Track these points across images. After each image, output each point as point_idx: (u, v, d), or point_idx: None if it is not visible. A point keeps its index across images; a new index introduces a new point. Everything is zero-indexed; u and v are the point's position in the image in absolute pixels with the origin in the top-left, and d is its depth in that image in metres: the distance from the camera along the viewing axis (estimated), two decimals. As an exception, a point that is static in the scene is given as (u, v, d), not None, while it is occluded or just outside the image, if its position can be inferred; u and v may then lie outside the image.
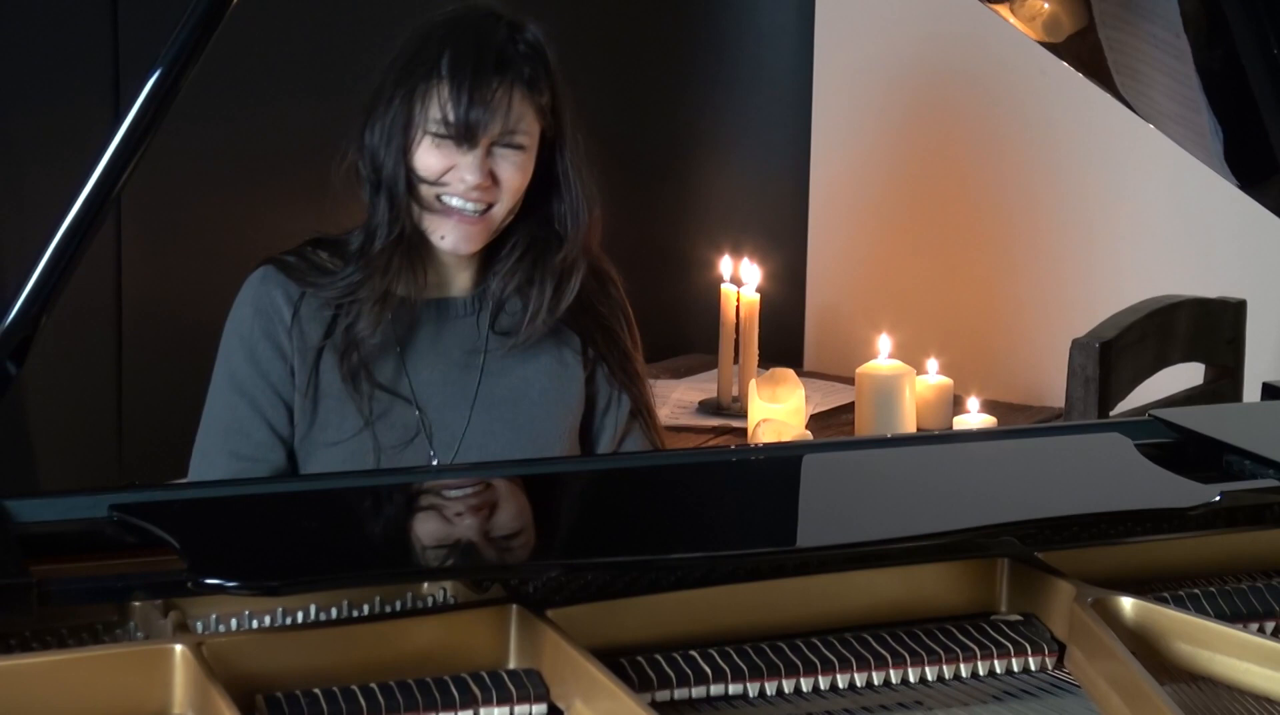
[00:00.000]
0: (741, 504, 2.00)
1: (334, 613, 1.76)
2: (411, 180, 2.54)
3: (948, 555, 1.87)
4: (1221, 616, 1.81)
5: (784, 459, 2.20)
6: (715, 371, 3.84)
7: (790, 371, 3.49)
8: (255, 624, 1.74)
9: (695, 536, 1.90)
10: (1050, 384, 3.98)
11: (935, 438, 2.61)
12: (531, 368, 2.63)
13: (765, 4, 4.34)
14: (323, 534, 1.84)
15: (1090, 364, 3.16)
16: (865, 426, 3.50)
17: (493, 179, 2.53)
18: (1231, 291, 3.63)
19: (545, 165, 2.58)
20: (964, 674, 1.77)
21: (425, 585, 1.80)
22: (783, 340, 4.25)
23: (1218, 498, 1.94)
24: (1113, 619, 1.76)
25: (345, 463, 2.51)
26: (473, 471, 2.14)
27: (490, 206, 2.54)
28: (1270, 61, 2.16)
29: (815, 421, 3.63)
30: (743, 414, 3.64)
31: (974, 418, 3.48)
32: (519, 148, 2.54)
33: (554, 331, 2.65)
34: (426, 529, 1.91)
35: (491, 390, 2.61)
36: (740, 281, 3.77)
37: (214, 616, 1.74)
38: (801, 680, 1.73)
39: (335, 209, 3.41)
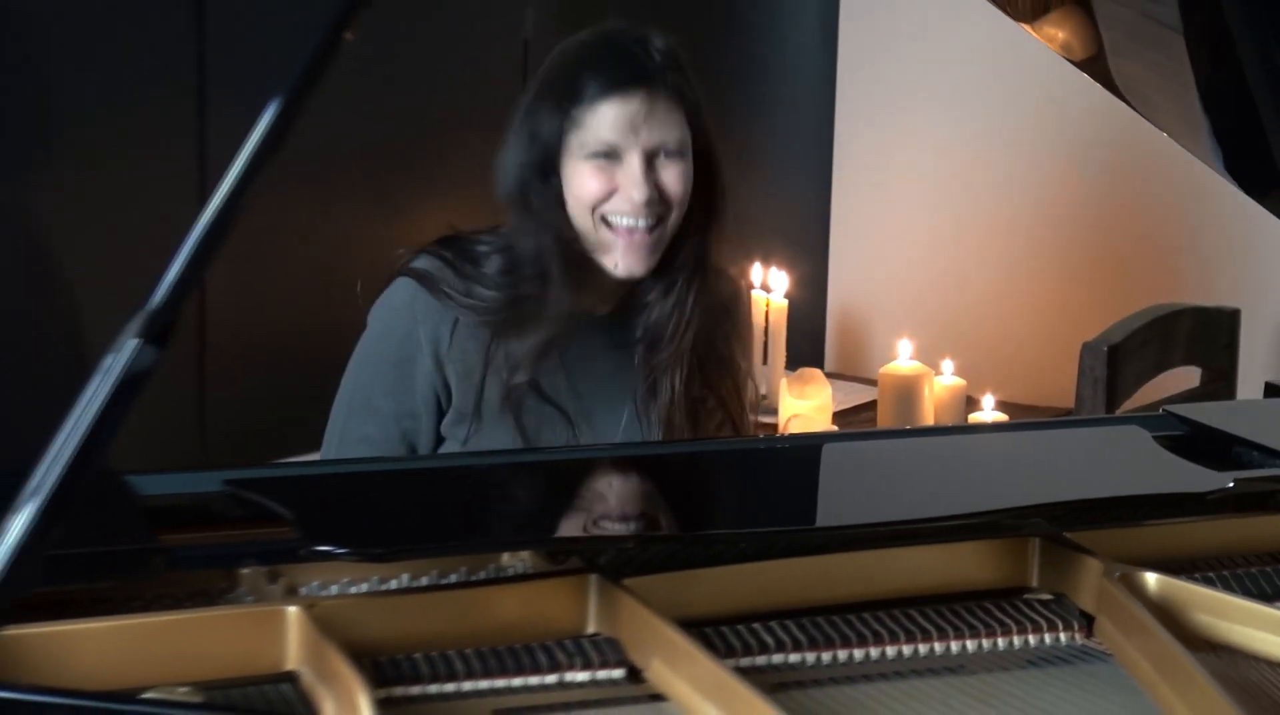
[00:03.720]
0: (796, 486, 2.05)
1: (424, 581, 1.81)
2: (570, 209, 2.41)
3: (983, 534, 1.90)
4: (1235, 596, 1.85)
5: (829, 447, 2.24)
6: (743, 371, 3.88)
7: (818, 371, 3.53)
8: (353, 590, 1.78)
9: (757, 514, 1.94)
10: (1058, 385, 4.00)
11: (966, 429, 2.65)
12: (675, 377, 2.48)
13: (791, 33, 4.36)
14: (421, 507, 1.88)
15: (1099, 366, 3.19)
16: (886, 422, 3.55)
17: (659, 191, 2.40)
18: (1227, 301, 3.66)
19: (701, 169, 2.44)
20: (1000, 646, 1.81)
21: (505, 557, 1.84)
22: (806, 343, 4.28)
23: (1231, 484, 1.99)
24: (1138, 592, 1.80)
25: None
26: (558, 454, 2.17)
27: (660, 220, 2.41)
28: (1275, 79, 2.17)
29: (839, 418, 3.67)
30: (771, 410, 3.68)
31: (988, 415, 3.52)
32: (678, 155, 2.42)
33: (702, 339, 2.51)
34: (514, 504, 1.96)
35: (641, 403, 2.48)
36: (769, 288, 3.82)
37: (315, 583, 1.78)
38: (855, 651, 1.76)
39: (403, 212, 3.47)
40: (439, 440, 2.46)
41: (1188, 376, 3.61)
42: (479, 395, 2.40)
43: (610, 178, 2.38)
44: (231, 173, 1.45)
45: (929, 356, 3.66)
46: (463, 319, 2.41)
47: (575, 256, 2.41)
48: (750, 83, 4.31)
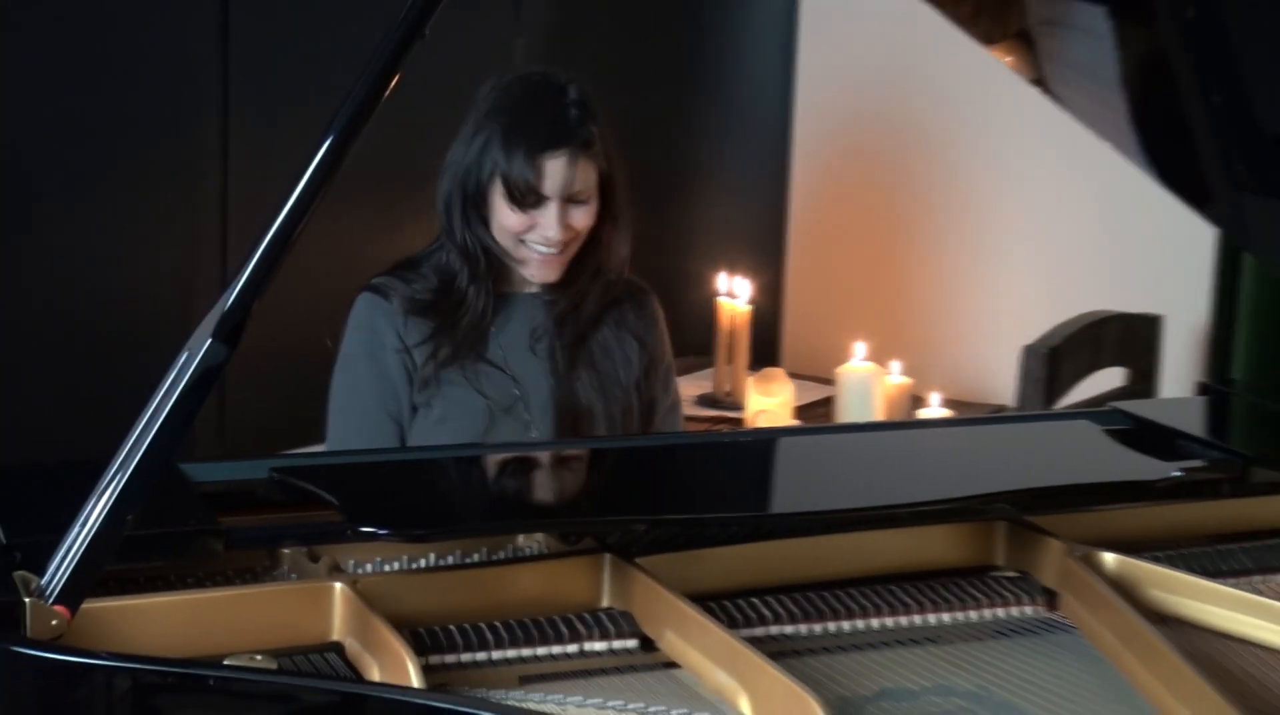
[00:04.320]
0: (780, 474, 2.07)
1: (449, 560, 1.83)
2: (492, 236, 2.64)
3: (954, 518, 1.94)
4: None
5: (806, 440, 2.28)
6: (709, 371, 3.91)
7: (780, 370, 3.56)
8: (386, 568, 1.80)
9: (750, 499, 1.97)
10: (997, 384, 4.04)
11: (933, 423, 2.68)
12: (594, 346, 2.71)
13: (752, 59, 4.39)
14: (449, 493, 1.90)
15: (1039, 367, 3.23)
16: (843, 417, 3.57)
17: (569, 228, 2.61)
18: (1150, 308, 3.70)
19: (602, 197, 2.66)
20: (973, 618, 1.84)
21: (521, 538, 1.87)
22: (764, 345, 4.31)
23: (1178, 473, 2.03)
24: (1099, 570, 1.83)
25: (457, 431, 2.59)
26: (560, 445, 2.20)
27: (568, 245, 2.63)
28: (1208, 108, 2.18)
29: (799, 413, 3.70)
30: (735, 406, 3.71)
31: (935, 411, 3.55)
32: (586, 201, 2.62)
33: (613, 338, 2.74)
34: (532, 490, 1.98)
35: (565, 364, 2.68)
36: (734, 295, 3.85)
37: (351, 562, 1.81)
38: (844, 623, 1.80)
39: (402, 225, 3.49)
40: (414, 409, 2.64)
41: (1115, 377, 3.64)
42: (435, 365, 2.62)
43: (531, 216, 2.61)
44: (298, 187, 1.47)
45: (878, 357, 3.69)
46: (410, 312, 2.64)
47: (491, 261, 2.66)
48: (714, 111, 4.34)
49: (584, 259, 2.68)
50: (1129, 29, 2.15)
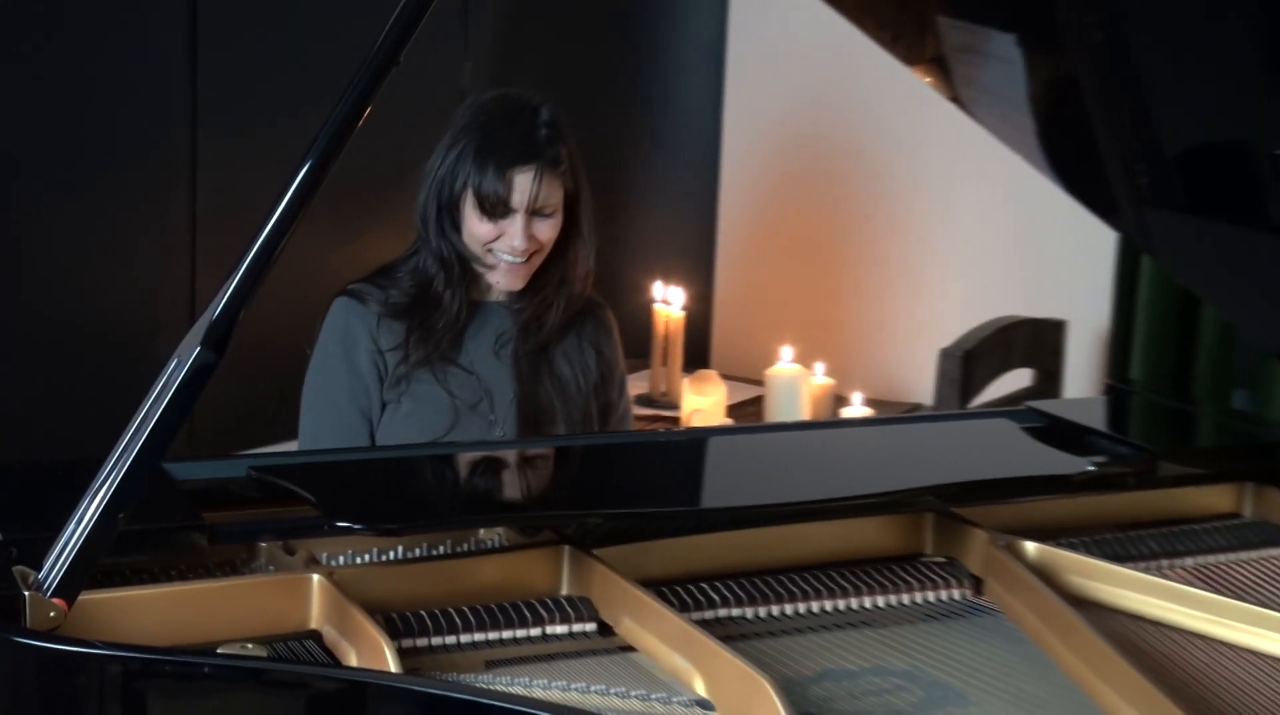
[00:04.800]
0: (724, 471, 2.08)
1: (417, 552, 1.83)
2: (464, 243, 2.65)
3: (885, 510, 1.96)
4: (1097, 559, 1.92)
5: (745, 438, 2.29)
6: (646, 372, 3.92)
7: (713, 372, 3.58)
8: (359, 560, 1.80)
9: (699, 494, 1.98)
10: (913, 384, 4.07)
11: (861, 422, 2.70)
12: (556, 354, 2.73)
13: (684, 80, 4.41)
14: (418, 490, 1.90)
15: (955, 368, 3.25)
16: (771, 416, 3.59)
17: (534, 239, 2.63)
18: (1055, 313, 3.74)
19: (567, 213, 2.68)
20: (905, 602, 1.86)
21: (482, 531, 1.87)
22: (697, 348, 4.32)
23: (1092, 467, 2.05)
24: (1021, 558, 1.86)
25: (423, 427, 2.60)
26: (519, 445, 2.20)
27: (533, 255, 2.65)
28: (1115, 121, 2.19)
29: (730, 412, 3.72)
30: (672, 405, 3.72)
31: (857, 410, 3.57)
32: (550, 214, 2.64)
33: (573, 345, 2.75)
34: (495, 486, 1.98)
35: (529, 369, 2.70)
36: (668, 302, 3.86)
37: (325, 554, 1.80)
38: (785, 606, 1.82)
39: (356, 238, 3.48)
40: (383, 406, 2.65)
41: (1023, 378, 3.68)
42: (408, 367, 2.63)
43: (498, 226, 2.64)
44: (283, 201, 1.47)
45: (803, 360, 3.71)
46: (385, 316, 2.66)
47: (465, 268, 2.68)
48: (649, 130, 4.35)
49: (550, 271, 2.70)
50: (1039, 54, 2.17)
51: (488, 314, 2.71)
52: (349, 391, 2.63)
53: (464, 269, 2.67)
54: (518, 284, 2.67)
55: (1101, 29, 2.02)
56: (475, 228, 2.63)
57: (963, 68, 2.33)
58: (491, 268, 2.65)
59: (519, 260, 2.63)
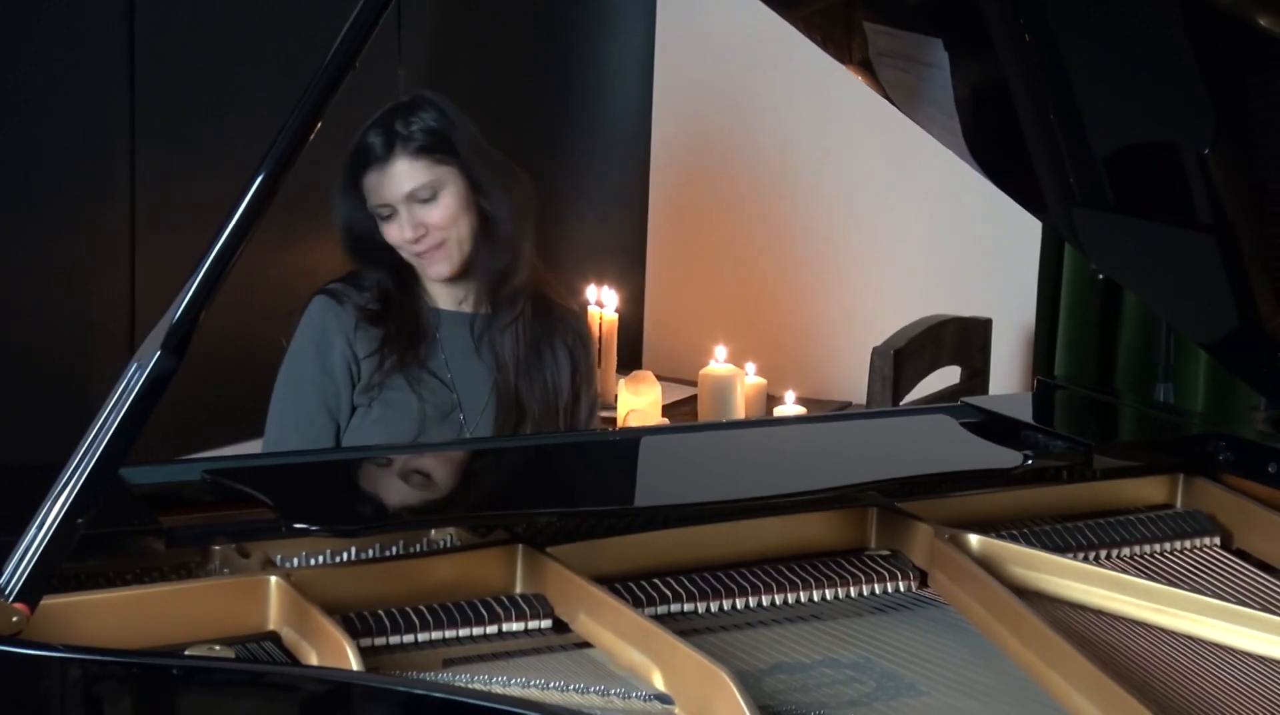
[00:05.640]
0: (672, 469, 2.08)
1: (370, 553, 1.82)
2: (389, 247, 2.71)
3: (830, 505, 1.96)
4: (1036, 550, 1.93)
5: (689, 437, 2.29)
6: (581, 374, 3.91)
7: (649, 373, 3.58)
8: (312, 562, 1.79)
9: (648, 491, 1.98)
10: (844, 382, 4.08)
11: (804, 420, 2.71)
12: (531, 356, 2.75)
13: (613, 90, 4.40)
14: (374, 491, 1.89)
15: (887, 366, 3.27)
16: (706, 415, 3.60)
17: (424, 227, 2.67)
18: (981, 312, 3.76)
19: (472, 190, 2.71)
20: (852, 595, 1.87)
21: (433, 532, 1.86)
22: (630, 349, 4.33)
23: (1030, 461, 2.07)
24: (965, 550, 1.86)
25: (391, 432, 2.62)
26: (480, 444, 2.19)
27: (440, 242, 2.68)
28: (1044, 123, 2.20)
29: (664, 412, 3.72)
30: (608, 406, 3.71)
31: (790, 409, 3.58)
32: (430, 197, 2.67)
33: (541, 339, 2.77)
34: (446, 487, 1.98)
35: (504, 377, 2.72)
36: (602, 304, 3.86)
37: (279, 556, 1.79)
38: (736, 600, 1.82)
39: (296, 245, 3.46)
40: (353, 409, 2.67)
41: (951, 375, 3.70)
42: (381, 369, 2.65)
43: (398, 228, 2.68)
44: (241, 204, 1.46)
45: (734, 359, 3.72)
46: (363, 320, 2.69)
47: (411, 275, 2.74)
48: (580, 137, 4.35)
49: (481, 252, 2.71)
50: (968, 57, 2.18)
51: (453, 322, 2.73)
52: (319, 391, 2.65)
53: (416, 277, 2.72)
54: (443, 271, 2.70)
55: (1031, 32, 2.04)
56: (386, 235, 2.69)
57: (890, 71, 2.34)
58: (420, 264, 2.70)
59: (421, 248, 2.66)
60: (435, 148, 2.68)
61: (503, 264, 2.72)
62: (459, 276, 2.73)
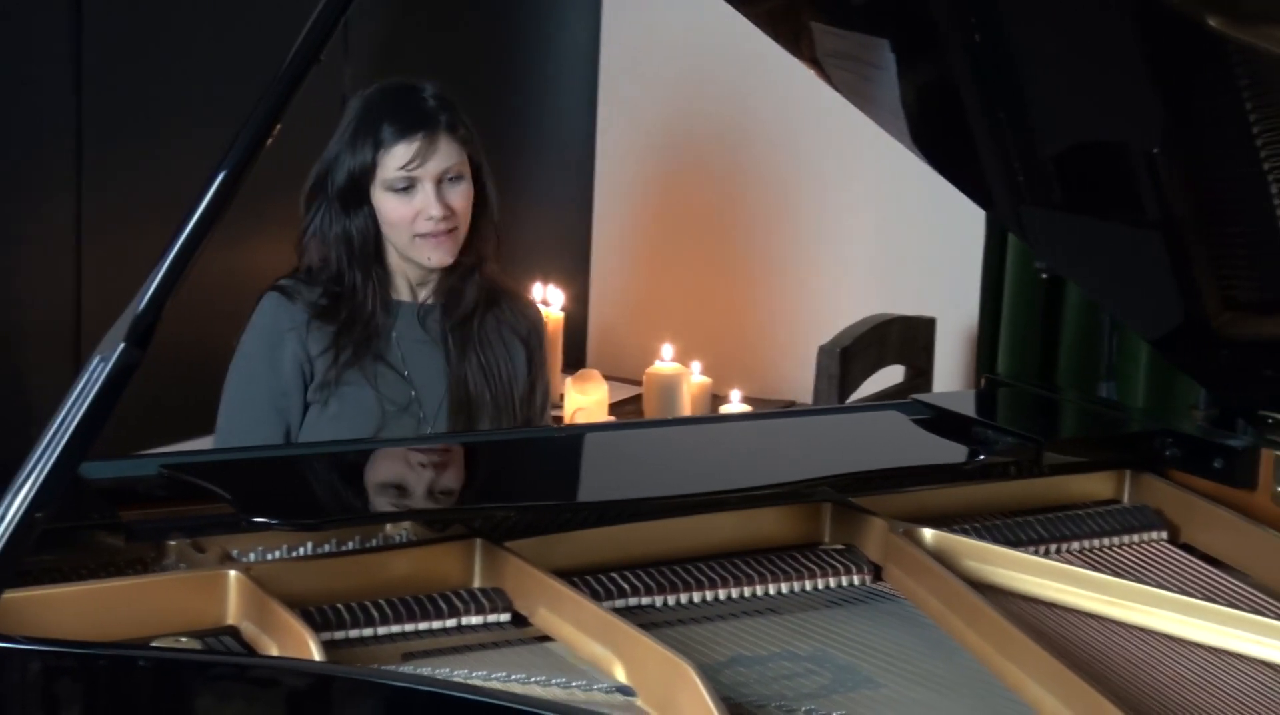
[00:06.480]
0: (626, 464, 2.09)
1: (326, 547, 1.81)
2: (384, 229, 2.62)
3: (785, 500, 1.97)
4: (988, 544, 1.94)
5: (641, 433, 2.29)
6: (526, 372, 3.91)
7: (596, 371, 3.57)
8: (269, 556, 1.78)
9: (604, 486, 1.99)
10: (788, 381, 4.09)
11: (753, 416, 2.72)
12: (483, 346, 2.70)
13: (558, 88, 4.40)
14: (332, 485, 1.89)
15: (833, 365, 3.28)
16: (651, 414, 3.60)
17: (449, 208, 2.60)
18: (925, 311, 3.79)
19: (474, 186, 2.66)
20: (808, 588, 1.88)
21: (389, 526, 1.86)
22: (575, 348, 4.32)
23: (981, 457, 2.08)
24: (920, 544, 1.88)
25: (350, 428, 2.57)
26: (438, 439, 2.19)
27: (454, 227, 2.62)
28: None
29: (611, 410, 3.72)
30: (555, 404, 3.71)
31: (735, 408, 3.59)
32: (459, 178, 2.63)
33: (496, 329, 2.73)
34: (407, 481, 1.97)
35: (458, 366, 2.67)
36: (548, 303, 3.86)
37: (235, 551, 1.78)
38: (694, 594, 1.82)
39: (244, 240, 3.44)
40: (305, 407, 2.61)
41: (896, 374, 3.72)
42: (336, 365, 2.59)
43: (412, 203, 2.59)
44: (206, 196, 1.46)
45: (680, 358, 3.73)
46: (315, 316, 2.62)
47: (381, 263, 2.65)
48: (526, 136, 4.34)
49: (468, 248, 2.66)
50: (918, 57, 2.19)
51: (409, 313, 2.69)
52: (268, 391, 2.59)
53: (380, 264, 2.64)
54: (448, 257, 2.63)
55: (981, 30, 2.05)
56: (391, 212, 2.60)
57: (840, 72, 2.35)
58: (419, 249, 2.62)
59: (441, 229, 2.60)
60: (467, 130, 2.64)
61: (483, 254, 2.70)
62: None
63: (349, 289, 2.62)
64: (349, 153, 2.61)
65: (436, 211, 2.58)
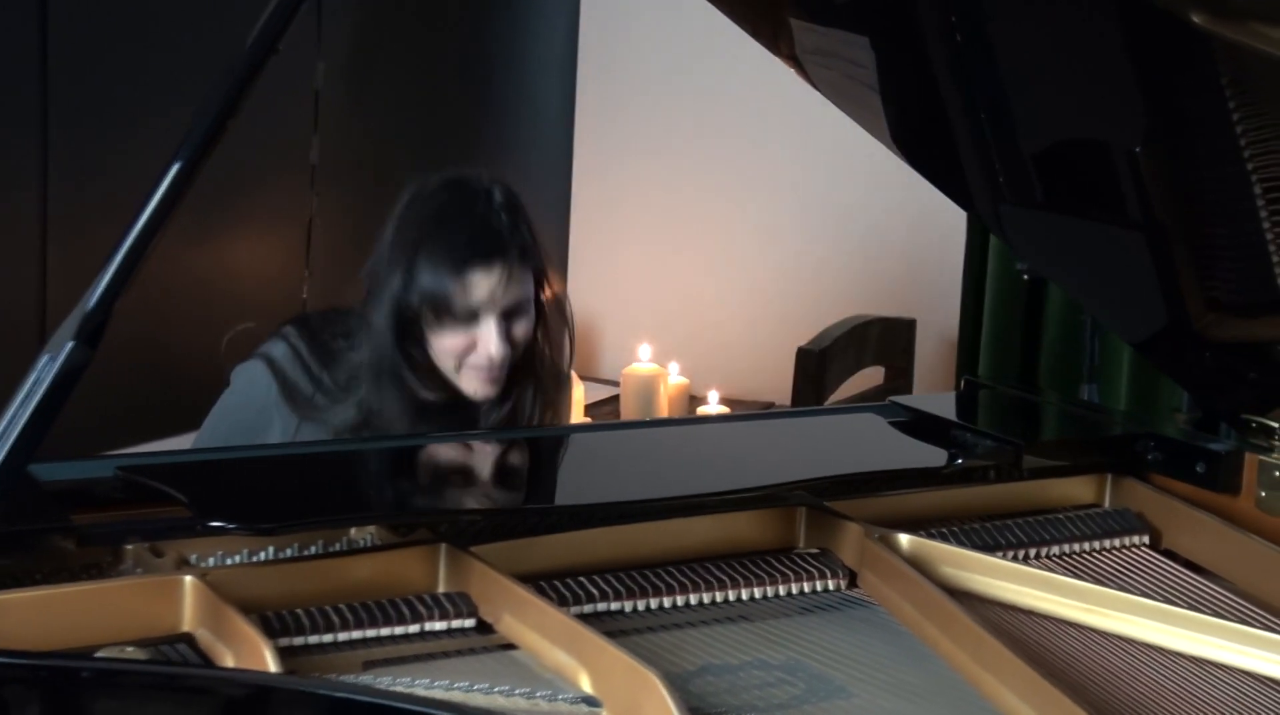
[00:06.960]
0: (598, 467, 2.05)
1: (288, 552, 1.77)
2: (433, 354, 2.32)
3: (759, 504, 1.93)
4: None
5: (618, 434, 2.26)
6: (503, 373, 3.87)
7: (573, 372, 3.53)
8: (228, 561, 1.74)
9: (573, 489, 1.95)
10: (767, 383, 4.07)
11: (730, 418, 2.68)
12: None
13: (536, 82, 4.38)
14: (293, 489, 1.85)
15: (812, 366, 3.26)
16: (629, 415, 3.58)
17: (511, 343, 2.32)
18: (905, 313, 3.76)
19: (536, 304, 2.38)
20: (781, 594, 1.84)
21: (353, 531, 1.82)
22: (550, 349, 4.29)
23: (960, 461, 2.05)
24: (895, 550, 1.84)
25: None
26: (402, 441, 2.15)
27: (508, 358, 2.34)
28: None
29: (587, 411, 3.69)
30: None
31: (713, 409, 3.57)
32: (526, 310, 2.34)
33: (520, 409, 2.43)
34: (370, 484, 1.94)
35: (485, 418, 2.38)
36: (525, 302, 3.82)
37: (194, 556, 1.74)
38: (664, 599, 1.79)
39: (211, 238, 3.40)
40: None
41: (875, 375, 3.70)
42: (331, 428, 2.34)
43: (469, 335, 2.29)
44: (158, 191, 1.42)
45: (658, 359, 3.70)
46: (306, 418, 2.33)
47: (430, 392, 2.33)
48: (502, 132, 4.31)
49: (520, 365, 2.37)
50: (897, 55, 2.17)
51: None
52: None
53: (423, 396, 2.32)
54: (493, 391, 2.33)
55: (961, 28, 2.03)
56: (443, 342, 2.29)
57: (820, 70, 2.33)
58: (465, 380, 2.32)
59: (496, 364, 2.30)
60: (529, 257, 2.32)
61: (538, 381, 2.40)
62: None
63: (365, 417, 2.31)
64: (428, 271, 2.27)
65: (497, 351, 2.28)
